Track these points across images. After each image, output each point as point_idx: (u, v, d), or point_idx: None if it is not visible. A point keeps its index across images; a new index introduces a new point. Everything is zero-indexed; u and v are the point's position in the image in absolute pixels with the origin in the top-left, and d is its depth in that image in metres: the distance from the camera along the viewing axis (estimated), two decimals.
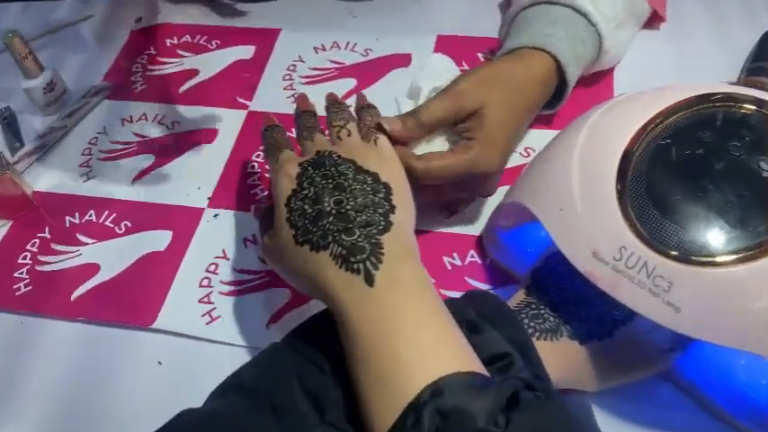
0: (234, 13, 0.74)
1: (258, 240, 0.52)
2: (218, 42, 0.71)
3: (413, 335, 0.33)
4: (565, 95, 0.56)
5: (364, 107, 0.48)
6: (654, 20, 0.66)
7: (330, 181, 0.40)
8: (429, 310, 0.35)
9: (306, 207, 0.39)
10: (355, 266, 0.36)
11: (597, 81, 0.62)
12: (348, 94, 0.63)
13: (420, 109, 0.49)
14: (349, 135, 0.45)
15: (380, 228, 0.38)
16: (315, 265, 0.37)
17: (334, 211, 0.38)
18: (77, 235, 0.57)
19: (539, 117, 0.58)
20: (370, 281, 0.35)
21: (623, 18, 0.59)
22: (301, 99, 0.50)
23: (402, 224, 0.39)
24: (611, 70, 0.63)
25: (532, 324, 0.41)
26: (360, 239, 0.37)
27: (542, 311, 0.42)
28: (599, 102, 0.48)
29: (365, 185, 0.40)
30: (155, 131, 0.64)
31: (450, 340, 0.34)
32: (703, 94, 0.42)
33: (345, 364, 0.35)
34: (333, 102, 0.48)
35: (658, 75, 0.62)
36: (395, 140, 0.46)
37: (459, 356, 0.33)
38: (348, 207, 0.39)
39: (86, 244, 0.56)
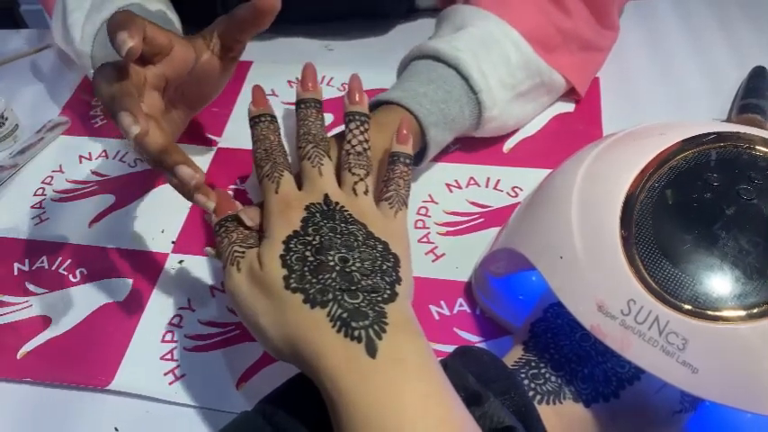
0: None
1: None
2: None
3: (417, 418, 0.29)
4: (425, 157, 0.53)
5: (401, 157, 0.43)
6: (573, 93, 0.61)
7: (338, 236, 0.36)
8: (434, 389, 0.31)
9: (307, 253, 0.35)
10: (356, 333, 0.31)
11: (585, 121, 0.60)
12: (326, 130, 0.60)
13: None
14: (366, 192, 0.41)
15: (386, 296, 0.34)
16: (305, 322, 0.33)
17: (338, 268, 0.34)
18: (27, 284, 0.52)
19: (528, 157, 0.55)
20: (372, 351, 0.31)
21: (527, 87, 0.55)
22: (308, 74, 0.45)
23: (405, 298, 0.35)
24: (598, 110, 0.61)
25: (533, 385, 0.37)
26: (363, 304, 0.33)
27: (543, 370, 0.38)
28: (588, 141, 0.46)
29: (374, 251, 0.37)
30: (115, 170, 0.59)
31: (455, 424, 0.30)
32: (705, 134, 0.40)
33: None
34: (359, 110, 0.44)
35: (647, 113, 0.60)
36: None
37: None
38: (354, 268, 0.35)
39: (37, 294, 0.51)
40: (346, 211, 0.38)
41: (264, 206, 0.40)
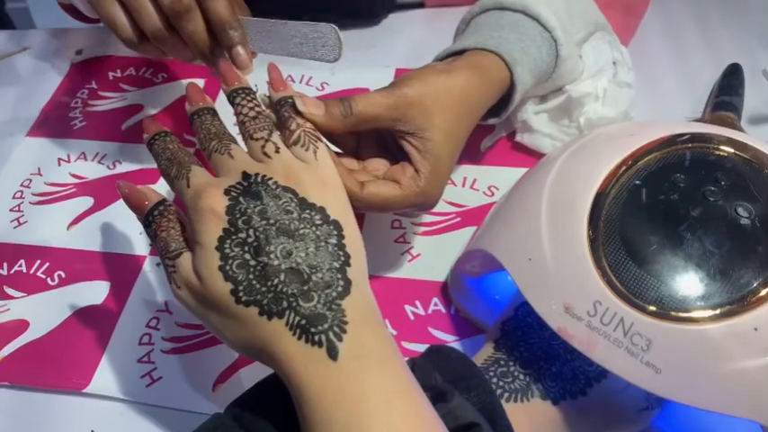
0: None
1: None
2: (165, 76, 0.68)
3: (381, 414, 0.29)
4: (512, 100, 0.50)
5: (287, 100, 0.40)
6: None
7: (272, 222, 0.34)
8: (398, 385, 0.31)
9: (247, 257, 0.33)
10: (317, 338, 0.31)
11: None
12: None
13: (355, 98, 0.42)
14: (277, 151, 0.37)
15: (340, 290, 0.33)
16: (265, 334, 0.32)
17: (284, 266, 0.33)
18: (5, 288, 0.52)
19: (504, 156, 0.55)
20: (333, 354, 0.31)
21: (582, 37, 0.55)
22: (193, 90, 0.41)
23: (359, 278, 0.34)
24: None
25: (501, 384, 0.38)
26: (319, 305, 0.32)
27: (512, 368, 0.39)
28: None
29: (314, 227, 0.34)
30: (94, 172, 0.59)
31: (420, 419, 0.30)
32: (675, 135, 0.40)
33: None
34: (240, 86, 0.41)
35: None
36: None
37: None
38: (299, 260, 0.33)
39: (15, 298, 0.51)
40: (270, 179, 0.36)
41: (185, 209, 0.37)
